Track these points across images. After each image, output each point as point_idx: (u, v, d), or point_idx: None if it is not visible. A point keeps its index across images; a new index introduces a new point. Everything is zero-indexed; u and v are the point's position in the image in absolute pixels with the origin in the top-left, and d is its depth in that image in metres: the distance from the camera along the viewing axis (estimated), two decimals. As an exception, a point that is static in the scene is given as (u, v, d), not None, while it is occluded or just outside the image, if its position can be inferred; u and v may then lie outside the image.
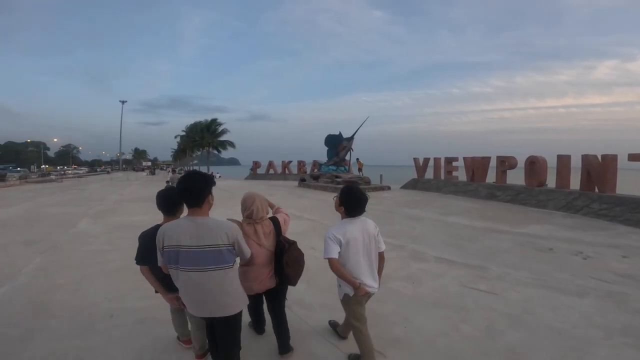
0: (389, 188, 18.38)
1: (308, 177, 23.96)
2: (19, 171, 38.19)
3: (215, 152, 45.66)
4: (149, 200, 12.07)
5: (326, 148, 21.86)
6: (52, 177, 33.93)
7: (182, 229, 1.85)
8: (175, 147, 62.83)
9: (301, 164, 32.62)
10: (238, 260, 2.16)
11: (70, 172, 60.56)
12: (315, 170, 28.72)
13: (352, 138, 20.17)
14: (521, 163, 13.22)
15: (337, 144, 20.77)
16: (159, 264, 1.97)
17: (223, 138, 44.07)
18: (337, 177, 19.00)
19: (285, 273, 2.32)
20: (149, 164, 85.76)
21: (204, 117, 44.82)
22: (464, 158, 16.27)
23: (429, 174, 18.27)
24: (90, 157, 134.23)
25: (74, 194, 16.27)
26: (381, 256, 2.42)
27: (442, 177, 17.20)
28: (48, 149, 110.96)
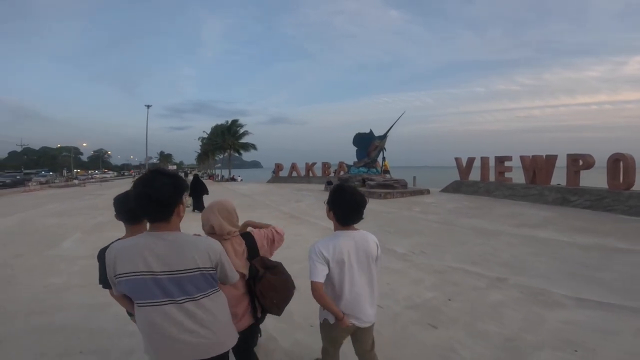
0: (428, 192, 16.43)
1: (335, 179, 22.04)
2: (44, 175, 38.73)
3: (237, 154, 45.10)
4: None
5: (355, 148, 19.93)
6: (76, 181, 34.07)
7: (145, 250, 1.30)
8: (199, 150, 63.04)
9: (326, 166, 30.91)
10: None
11: (97, 176, 61.93)
12: (343, 172, 26.85)
13: (385, 136, 18.14)
14: (563, 162, 12.19)
15: (367, 144, 18.79)
16: (115, 293, 1.46)
17: (244, 140, 43.72)
18: (368, 179, 16.94)
19: (261, 304, 1.85)
20: (174, 167, 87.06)
21: (226, 120, 44.42)
22: (522, 157, 14.20)
23: (474, 175, 16.32)
24: (120, 162, 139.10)
25: (86, 201, 15.31)
26: None
27: (492, 178, 15.22)
28: (81, 153, 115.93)
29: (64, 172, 65.58)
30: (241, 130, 43.58)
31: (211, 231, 1.83)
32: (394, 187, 15.73)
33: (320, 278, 1.68)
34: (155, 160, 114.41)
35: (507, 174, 14.85)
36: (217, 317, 1.44)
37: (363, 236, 1.82)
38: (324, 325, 1.87)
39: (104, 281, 1.64)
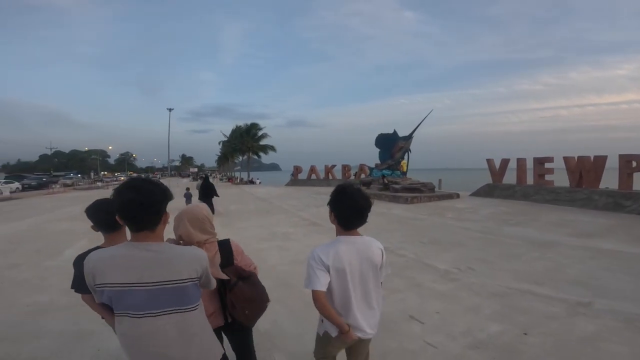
0: (457, 196, 15.32)
1: (357, 182, 21.12)
2: (71, 178, 39.84)
3: (256, 157, 45.04)
4: (173, 213, 10.02)
5: (377, 150, 18.98)
6: (99, 184, 34.79)
7: (127, 261, 1.26)
8: (220, 153, 63.68)
9: (346, 169, 30.03)
10: None
11: (122, 178, 63.73)
12: (363, 175, 25.90)
13: (410, 137, 17.13)
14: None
15: (391, 145, 17.82)
16: (96, 301, 1.36)
17: (263, 142, 43.61)
18: (393, 183, 15.94)
19: (231, 314, 1.78)
20: (195, 170, 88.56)
21: (245, 123, 44.69)
22: (565, 158, 13.03)
23: (509, 178, 15.22)
24: (144, 164, 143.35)
25: None
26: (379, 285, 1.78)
27: (531, 181, 14.05)
28: (108, 156, 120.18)
29: (92, 174, 67.81)
30: (260, 133, 43.61)
31: (179, 239, 1.79)
32: (420, 191, 14.68)
33: (322, 286, 1.56)
34: (177, 163, 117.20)
35: (547, 177, 13.77)
36: (203, 329, 1.40)
37: (366, 242, 1.70)
38: (324, 338, 1.75)
39: (77, 286, 1.67)
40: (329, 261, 1.58)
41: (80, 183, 34.80)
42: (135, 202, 1.23)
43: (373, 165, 21.83)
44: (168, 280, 1.27)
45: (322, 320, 1.73)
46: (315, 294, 1.56)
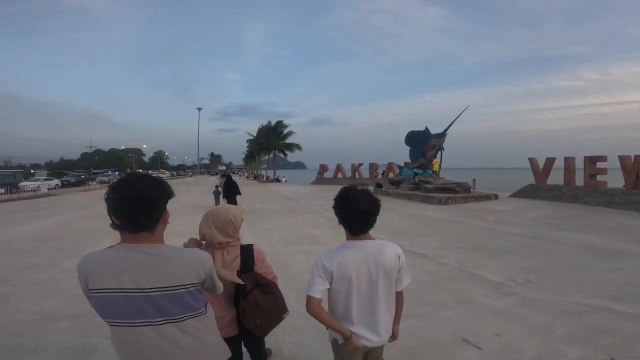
0: (496, 197, 14.32)
1: (385, 182, 20.37)
2: (108, 175, 41.71)
3: (282, 155, 45.16)
4: (201, 211, 9.83)
5: (407, 148, 18.16)
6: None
7: (120, 265, 1.14)
8: (246, 151, 64.66)
9: (373, 167, 29.27)
10: None
11: (155, 175, 66.12)
12: (392, 174, 25.06)
13: (444, 134, 16.21)
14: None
15: (422, 142, 16.96)
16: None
17: (288, 140, 43.69)
18: (425, 182, 15.10)
19: (242, 322, 1.72)
20: (223, 168, 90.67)
21: (269, 121, 45.08)
22: (621, 157, 11.96)
23: (554, 178, 14.12)
24: (176, 162, 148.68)
25: None
26: (400, 296, 1.66)
27: (580, 182, 12.90)
28: (143, 154, 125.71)
29: (128, 171, 70.89)
30: (285, 131, 43.71)
31: (202, 239, 1.80)
32: (455, 191, 13.76)
33: (316, 293, 1.49)
34: (206, 161, 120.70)
35: (598, 177, 12.53)
36: (204, 339, 1.26)
37: (378, 247, 1.57)
38: (334, 345, 1.67)
39: None
40: (332, 267, 1.51)
41: (114, 180, 36.10)
42: (128, 199, 1.11)
43: (402, 164, 21.01)
44: (166, 286, 1.15)
45: (327, 327, 1.64)
46: (308, 300, 1.51)
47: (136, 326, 1.13)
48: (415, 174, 16.56)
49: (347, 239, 1.62)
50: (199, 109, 45.71)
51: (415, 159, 17.47)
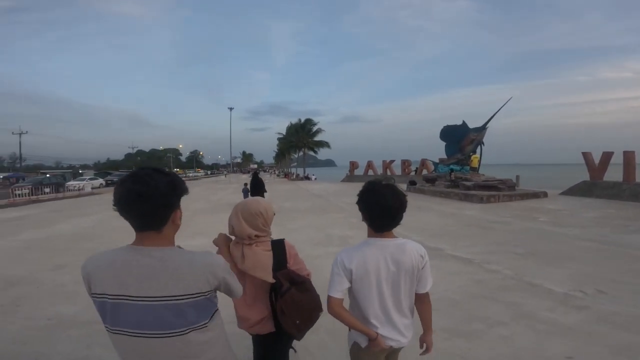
0: (545, 195, 13.05)
1: (419, 179, 19.42)
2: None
3: (312, 153, 45.20)
4: (231, 209, 9.68)
5: (442, 144, 17.15)
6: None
7: (123, 268, 1.06)
8: (277, 150, 65.45)
9: (406, 164, 28.22)
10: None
11: (191, 174, 69.00)
12: (426, 171, 23.97)
13: (484, 128, 15.06)
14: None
15: (459, 137, 15.90)
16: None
17: (318, 138, 43.56)
18: (463, 179, 14.08)
19: (280, 323, 1.61)
20: (255, 166, 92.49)
21: (299, 119, 45.31)
22: None
23: (612, 174, 12.90)
24: (210, 161, 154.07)
25: None
26: (425, 298, 1.58)
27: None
28: (180, 154, 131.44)
29: (167, 171, 74.35)
30: (314, 129, 43.63)
31: (231, 232, 1.71)
32: (498, 189, 12.68)
33: (337, 293, 1.45)
34: (239, 160, 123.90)
35: None
36: (207, 353, 1.15)
37: (401, 246, 1.49)
38: (354, 350, 1.59)
39: None
40: (352, 266, 1.46)
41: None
42: (133, 194, 1.04)
43: (437, 160, 19.96)
44: (171, 295, 1.05)
45: (350, 329, 1.60)
46: (329, 301, 1.47)
47: (133, 336, 1.05)
48: (452, 170, 15.54)
49: (369, 235, 1.55)
50: (230, 109, 46.61)
51: (451, 155, 16.44)
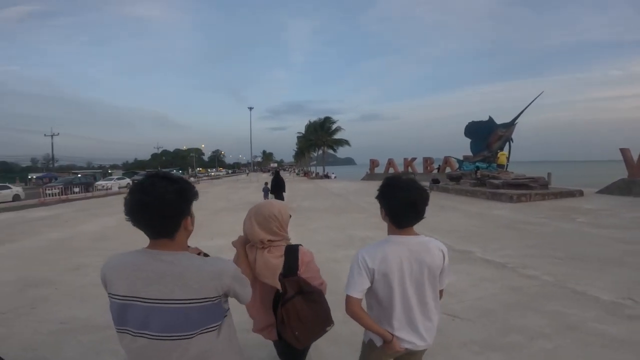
0: (581, 193, 12.29)
1: (442, 177, 18.79)
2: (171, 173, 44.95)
3: (331, 151, 45.06)
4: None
5: (466, 141, 16.49)
6: (192, 179, 38.53)
7: (135, 271, 1.08)
8: (296, 149, 65.70)
9: (428, 162, 27.46)
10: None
11: (212, 173, 70.50)
12: (449, 169, 23.22)
13: (512, 124, 14.32)
14: None
15: (486, 133, 15.19)
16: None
17: (337, 136, 43.40)
18: (490, 177, 13.44)
19: (279, 331, 1.59)
20: (275, 165, 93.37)
21: (318, 118, 45.36)
22: None
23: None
24: (232, 160, 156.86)
25: None
26: (440, 294, 1.55)
27: None
28: (203, 154, 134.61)
29: (189, 170, 76.50)
30: (334, 127, 43.45)
31: (246, 236, 1.68)
32: (529, 187, 11.99)
33: (357, 293, 1.39)
34: (259, 159, 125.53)
35: None
36: (223, 353, 1.17)
37: (423, 243, 1.45)
38: (368, 347, 1.56)
39: None
40: (375, 264, 1.39)
41: (176, 178, 38.82)
42: (141, 205, 1.05)
43: (461, 158, 19.25)
44: (178, 299, 1.05)
45: (366, 329, 1.54)
46: (347, 300, 1.40)
47: (138, 336, 1.07)
48: (478, 168, 14.88)
49: (389, 233, 1.49)
50: (250, 109, 47.35)
51: (477, 152, 15.75)
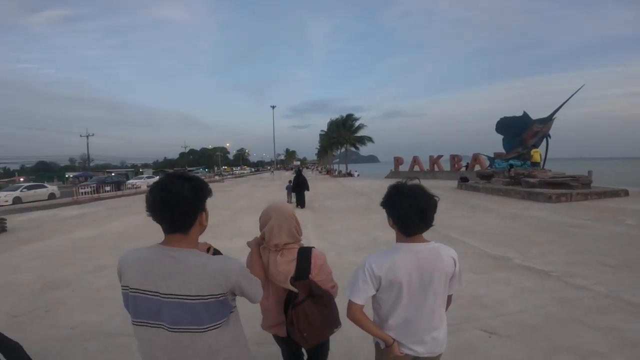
0: (626, 193, 11.32)
1: (472, 175, 17.92)
2: (198, 172, 46.17)
3: (354, 149, 44.43)
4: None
5: (494, 138, 15.59)
6: (216, 177, 39.23)
7: (148, 265, 1.17)
8: (319, 147, 65.59)
9: (455, 160, 26.39)
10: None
11: (237, 172, 71.80)
12: (478, 166, 22.20)
13: (550, 119, 13.34)
14: None
15: (520, 129, 14.26)
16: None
17: (360, 134, 42.70)
18: (525, 175, 12.58)
19: (288, 332, 1.62)
20: (298, 163, 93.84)
21: (341, 115, 44.93)
22: None
23: None
24: (255, 159, 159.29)
25: (214, 198, 15.61)
26: (448, 300, 1.54)
27: None
28: (228, 152, 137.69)
29: (215, 168, 78.39)
30: (356, 124, 42.87)
31: (262, 237, 1.67)
32: (570, 186, 11.10)
33: (359, 299, 1.40)
34: (282, 157, 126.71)
35: None
36: (220, 354, 1.20)
37: (433, 251, 1.42)
38: (377, 348, 1.57)
39: None
40: (382, 272, 1.38)
41: (202, 177, 39.72)
42: (162, 202, 1.15)
43: (491, 155, 18.27)
44: (184, 294, 1.12)
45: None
46: (349, 305, 1.42)
47: (151, 327, 1.14)
48: (512, 165, 13.99)
49: (398, 240, 1.47)
50: (273, 107, 47.55)
51: (511, 149, 14.83)
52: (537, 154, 13.88)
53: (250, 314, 1.64)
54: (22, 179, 36.07)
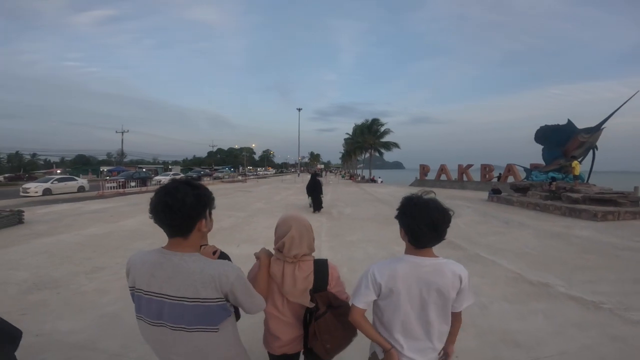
0: None
1: (506, 187, 16.71)
2: (223, 171, 46.87)
3: (378, 154, 43.55)
4: (294, 209, 9.13)
5: (535, 147, 14.39)
6: (240, 177, 39.63)
7: (151, 268, 1.25)
8: (343, 150, 65.01)
9: (487, 169, 24.96)
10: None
11: (261, 172, 72.63)
12: (512, 177, 20.87)
13: (599, 129, 12.09)
14: None
15: (563, 139, 13.04)
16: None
17: (385, 139, 41.69)
18: (567, 189, 11.44)
19: (309, 345, 1.60)
20: (322, 166, 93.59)
21: (366, 119, 44.17)
22: None
23: None
24: (280, 160, 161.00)
25: (232, 198, 15.75)
26: (457, 316, 1.53)
27: None
28: (254, 153, 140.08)
29: (240, 168, 79.71)
30: (382, 129, 41.92)
31: (280, 248, 1.62)
32: (618, 204, 9.92)
33: (361, 303, 1.47)
34: (306, 160, 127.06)
35: None
36: (215, 355, 1.29)
37: (438, 266, 1.43)
38: (374, 358, 1.60)
39: None
40: (383, 279, 1.43)
41: (226, 177, 40.38)
42: (162, 205, 1.20)
43: (528, 166, 17.01)
44: (183, 296, 1.21)
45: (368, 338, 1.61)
46: (352, 309, 1.48)
47: (155, 325, 1.23)
48: (554, 179, 12.81)
49: (406, 252, 1.49)
50: (299, 110, 47.49)
51: (552, 160, 13.63)
52: (578, 167, 12.64)
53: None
54: (59, 171, 38.00)
